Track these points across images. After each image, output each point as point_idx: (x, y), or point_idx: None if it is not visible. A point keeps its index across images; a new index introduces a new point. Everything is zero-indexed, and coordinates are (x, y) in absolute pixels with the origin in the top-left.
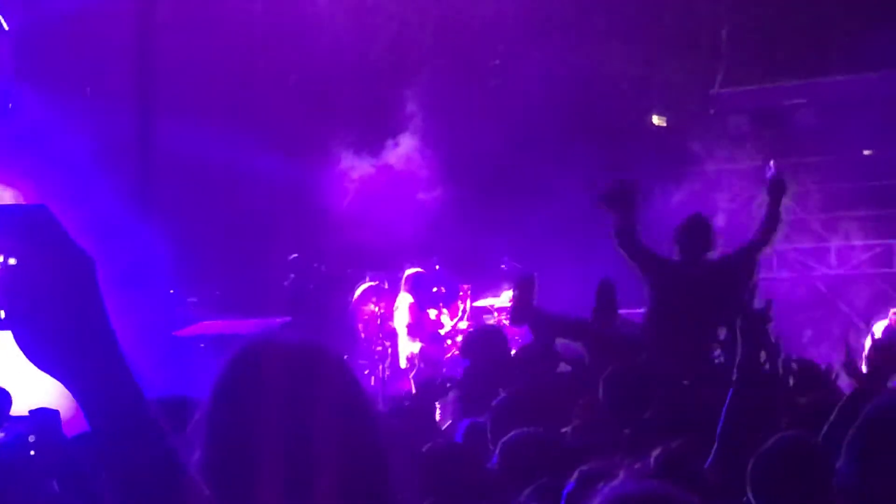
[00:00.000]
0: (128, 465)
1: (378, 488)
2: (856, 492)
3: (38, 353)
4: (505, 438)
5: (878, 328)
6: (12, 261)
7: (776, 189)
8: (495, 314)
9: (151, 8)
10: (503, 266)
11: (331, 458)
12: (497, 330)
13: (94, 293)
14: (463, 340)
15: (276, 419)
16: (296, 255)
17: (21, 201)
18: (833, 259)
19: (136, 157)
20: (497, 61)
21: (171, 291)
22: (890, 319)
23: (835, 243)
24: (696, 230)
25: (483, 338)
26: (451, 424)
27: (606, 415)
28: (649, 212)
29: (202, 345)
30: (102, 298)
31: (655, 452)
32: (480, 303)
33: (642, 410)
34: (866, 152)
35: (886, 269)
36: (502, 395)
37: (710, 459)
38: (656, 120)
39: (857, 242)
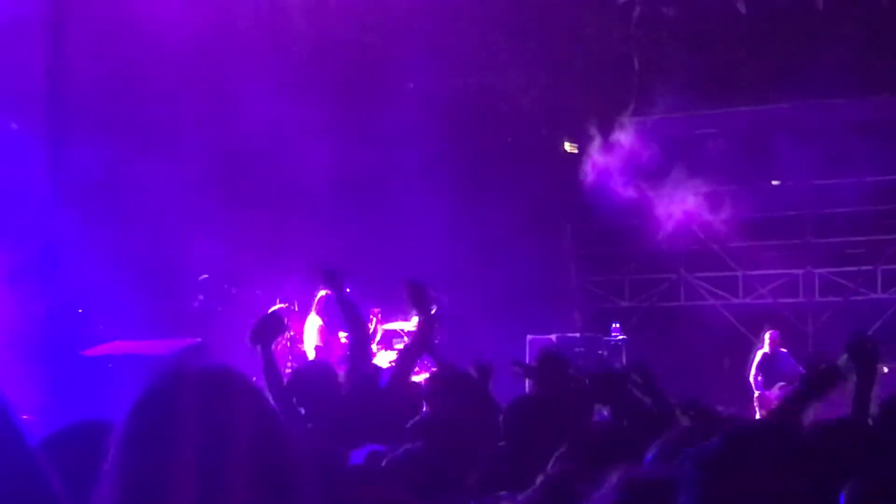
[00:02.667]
0: None
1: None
2: None
3: None
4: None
5: (758, 355)
6: None
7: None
8: (405, 338)
9: (61, 25)
10: None
11: (244, 483)
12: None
13: None
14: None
15: (189, 450)
16: (206, 276)
17: None
18: (740, 289)
19: (45, 175)
20: (411, 85)
21: (80, 311)
22: (768, 344)
23: (741, 273)
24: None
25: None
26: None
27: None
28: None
29: (111, 364)
30: None
31: (539, 479)
32: (390, 326)
33: (540, 441)
34: (774, 182)
35: (792, 300)
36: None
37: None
38: (568, 147)
39: (764, 272)
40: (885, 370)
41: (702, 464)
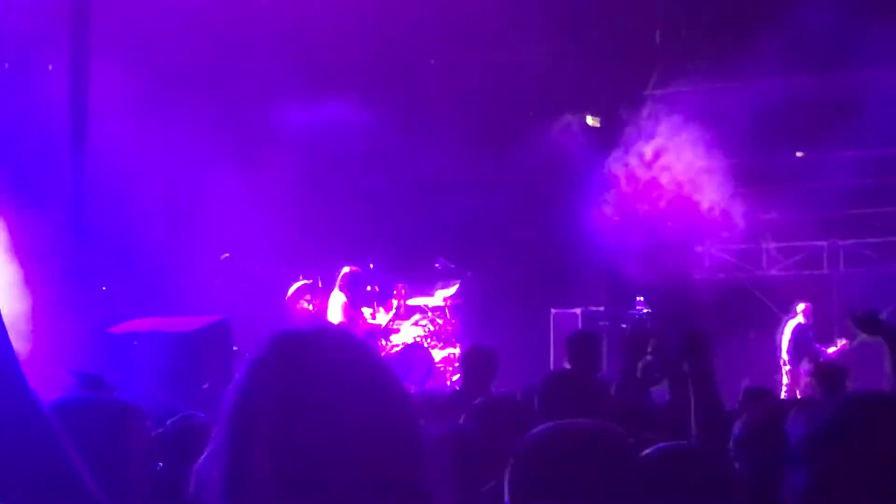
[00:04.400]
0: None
1: (417, 473)
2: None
3: None
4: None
5: (789, 326)
6: None
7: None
8: (429, 313)
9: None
10: (437, 265)
11: (368, 447)
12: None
13: None
14: None
15: (308, 417)
16: (227, 254)
17: None
18: (763, 260)
19: (70, 153)
20: (432, 61)
21: (104, 288)
22: (803, 316)
23: (765, 245)
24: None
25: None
26: None
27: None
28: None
29: (136, 342)
30: (4, 329)
31: None
32: (413, 301)
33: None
34: (798, 154)
35: (816, 271)
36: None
37: None
38: (590, 121)
39: (788, 244)
40: None
41: (818, 435)
